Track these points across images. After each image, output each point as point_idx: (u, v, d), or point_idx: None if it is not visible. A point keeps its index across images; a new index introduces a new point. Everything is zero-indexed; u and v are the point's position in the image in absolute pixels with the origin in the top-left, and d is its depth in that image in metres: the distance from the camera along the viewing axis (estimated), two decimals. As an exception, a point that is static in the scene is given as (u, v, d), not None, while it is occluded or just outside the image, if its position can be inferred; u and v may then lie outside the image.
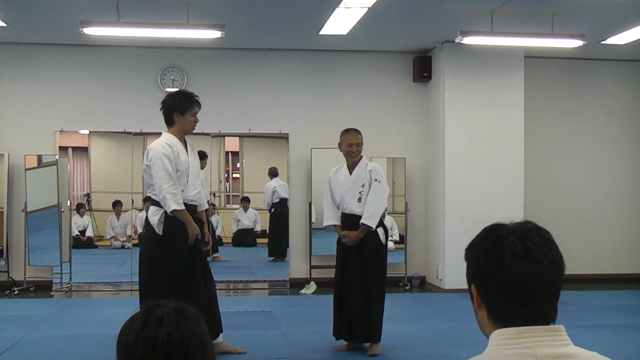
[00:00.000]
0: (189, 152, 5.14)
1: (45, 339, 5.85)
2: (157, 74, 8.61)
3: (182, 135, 5.12)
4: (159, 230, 4.95)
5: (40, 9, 6.92)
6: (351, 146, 5.49)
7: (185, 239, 4.94)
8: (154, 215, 4.98)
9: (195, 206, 5.16)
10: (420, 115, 8.96)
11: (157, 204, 4.97)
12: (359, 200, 5.43)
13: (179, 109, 5.04)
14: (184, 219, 4.92)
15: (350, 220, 5.46)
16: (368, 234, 5.38)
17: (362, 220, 5.36)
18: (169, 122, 5.10)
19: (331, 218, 5.56)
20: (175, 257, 4.95)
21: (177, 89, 8.21)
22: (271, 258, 9.49)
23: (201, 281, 5.03)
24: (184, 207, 4.91)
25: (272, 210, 9.23)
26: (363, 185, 5.45)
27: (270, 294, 8.53)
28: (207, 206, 5.40)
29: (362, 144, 5.58)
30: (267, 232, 9.65)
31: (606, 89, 9.46)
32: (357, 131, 5.58)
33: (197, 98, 5.12)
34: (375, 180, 5.43)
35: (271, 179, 9.16)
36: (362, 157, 5.57)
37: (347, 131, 5.59)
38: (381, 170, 5.55)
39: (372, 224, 5.36)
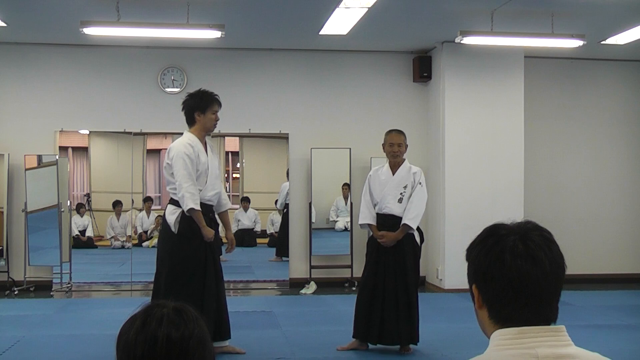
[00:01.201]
0: (209, 152, 5.19)
1: (45, 339, 5.85)
2: (157, 74, 8.60)
3: (204, 134, 5.19)
4: (175, 229, 5.01)
5: (40, 9, 6.92)
6: (392, 146, 5.48)
7: (200, 238, 4.99)
8: (172, 214, 5.04)
9: (212, 206, 5.21)
10: (420, 115, 8.96)
11: (175, 203, 5.03)
12: (400, 201, 5.42)
13: (200, 108, 5.10)
14: (198, 221, 4.97)
15: (387, 221, 5.44)
16: (406, 235, 5.39)
17: (404, 221, 5.35)
18: (190, 122, 5.16)
19: (367, 217, 5.53)
20: (190, 255, 5.00)
21: (177, 89, 8.26)
22: (273, 258, 9.48)
23: (213, 282, 5.07)
24: (200, 209, 4.96)
25: (285, 210, 9.18)
26: (405, 187, 5.44)
27: (270, 294, 8.53)
28: (229, 206, 5.43)
29: (406, 145, 5.56)
30: (277, 232, 9.63)
31: (606, 89, 9.46)
32: (399, 132, 5.57)
33: (217, 97, 5.18)
34: (419, 183, 5.45)
35: (287, 179, 9.07)
36: (404, 159, 5.56)
37: (389, 132, 5.60)
38: (423, 175, 5.56)
39: (414, 225, 5.37)
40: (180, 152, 4.98)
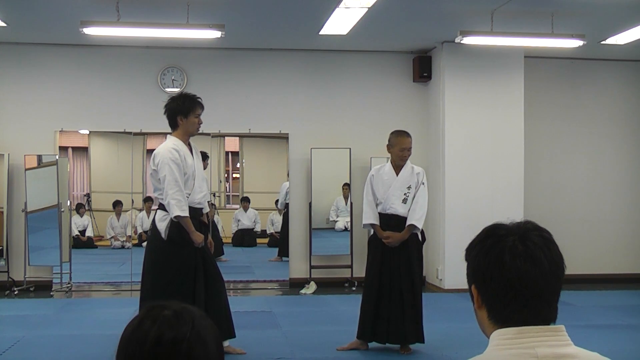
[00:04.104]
0: (194, 155, 5.16)
1: (45, 339, 5.85)
2: (157, 74, 8.61)
3: (187, 137, 5.14)
4: (165, 235, 4.97)
5: (40, 9, 6.92)
6: (403, 150, 5.48)
7: (189, 244, 4.97)
8: (162, 221, 5.00)
9: (202, 209, 5.19)
10: (420, 115, 8.96)
11: (165, 208, 5.00)
12: (404, 201, 5.44)
13: (183, 112, 5.05)
14: (187, 227, 4.93)
15: (391, 221, 5.45)
16: (410, 235, 5.41)
17: (411, 222, 5.37)
18: (173, 126, 5.11)
19: (371, 217, 5.54)
20: (180, 262, 4.97)
21: (177, 89, 8.25)
22: (273, 258, 9.48)
23: (203, 288, 5.02)
24: (187, 215, 4.93)
25: (285, 210, 9.17)
26: (409, 187, 5.46)
27: (270, 294, 8.53)
28: (208, 208, 5.39)
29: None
30: (277, 232, 9.63)
31: (606, 89, 9.46)
32: (409, 135, 5.56)
33: (199, 100, 5.12)
34: (422, 183, 5.48)
35: (287, 179, 9.06)
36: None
37: (399, 134, 5.55)
38: (425, 175, 5.59)
39: (420, 225, 5.41)
40: (165, 158, 4.93)
